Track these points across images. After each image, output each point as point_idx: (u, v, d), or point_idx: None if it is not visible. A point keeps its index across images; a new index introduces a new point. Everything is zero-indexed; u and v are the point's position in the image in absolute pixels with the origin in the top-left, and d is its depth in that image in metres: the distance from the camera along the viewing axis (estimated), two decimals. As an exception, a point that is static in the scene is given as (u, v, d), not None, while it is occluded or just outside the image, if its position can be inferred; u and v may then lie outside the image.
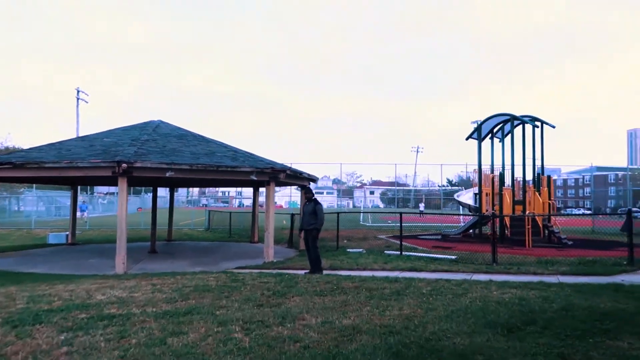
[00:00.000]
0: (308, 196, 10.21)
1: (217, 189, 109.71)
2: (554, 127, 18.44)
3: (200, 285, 8.12)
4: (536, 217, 15.33)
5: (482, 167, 18.69)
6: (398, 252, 12.97)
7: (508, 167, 19.52)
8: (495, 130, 18.72)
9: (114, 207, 53.46)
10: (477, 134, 18.34)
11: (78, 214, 32.68)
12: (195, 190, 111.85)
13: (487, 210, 17.35)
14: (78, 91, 53.10)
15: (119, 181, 10.78)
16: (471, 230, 18.89)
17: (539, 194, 16.13)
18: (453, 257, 11.77)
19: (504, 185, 16.67)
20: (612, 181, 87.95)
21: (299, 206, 16.07)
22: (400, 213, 12.99)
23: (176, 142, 13.15)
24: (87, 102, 54.09)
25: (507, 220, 15.51)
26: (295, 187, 18.99)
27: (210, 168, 11.39)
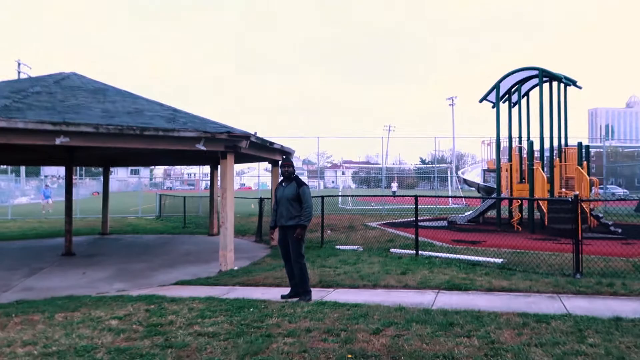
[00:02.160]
0: (287, 171, 6.21)
1: (182, 170, 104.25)
2: (580, 88, 14.98)
3: (74, 347, 4.11)
4: (594, 201, 11.83)
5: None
6: (411, 252, 9.21)
7: (516, 137, 16.00)
8: (512, 90, 15.08)
9: (63, 192, 48.02)
10: (495, 93, 14.64)
11: (41, 200, 26.95)
12: (160, 171, 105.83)
13: (507, 191, 13.79)
14: (19, 64, 46.96)
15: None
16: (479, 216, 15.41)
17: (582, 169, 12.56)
18: (498, 260, 8.08)
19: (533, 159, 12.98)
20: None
21: (271, 189, 12.08)
22: (416, 196, 9.16)
23: (85, 97, 8.87)
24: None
25: (544, 204, 11.94)
26: (265, 168, 14.79)
27: (129, 132, 7.24)
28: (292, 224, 6.04)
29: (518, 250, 8.79)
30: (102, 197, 15.91)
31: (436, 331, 4.41)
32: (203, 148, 8.09)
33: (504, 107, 15.75)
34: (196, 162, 15.28)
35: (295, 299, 6.00)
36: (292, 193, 6.07)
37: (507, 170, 13.93)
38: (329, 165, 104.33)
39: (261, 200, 13.36)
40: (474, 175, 16.88)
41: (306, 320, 4.90)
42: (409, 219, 18.41)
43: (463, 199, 25.00)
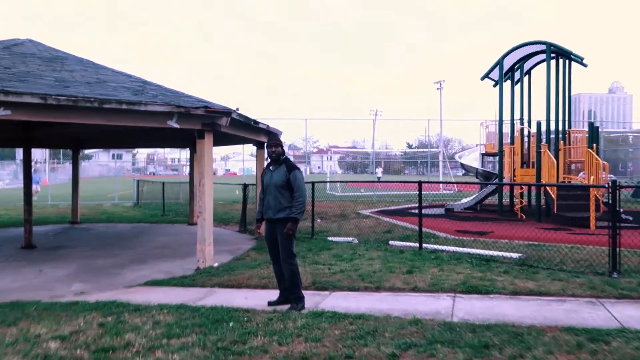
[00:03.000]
0: (275, 152, 5.09)
1: (165, 155, 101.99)
2: (586, 66, 14.04)
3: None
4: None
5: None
6: (413, 245, 8.23)
7: (518, 118, 15.11)
8: (515, 67, 14.08)
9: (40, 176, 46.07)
10: (499, 70, 13.61)
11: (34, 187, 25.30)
12: (144, 156, 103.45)
13: (509, 176, 12.86)
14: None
15: None
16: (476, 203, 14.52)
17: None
18: (514, 254, 7.12)
19: (541, 142, 11.99)
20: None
21: (257, 175, 10.99)
22: (420, 182, 8.11)
23: (38, 65, 7.61)
24: None
25: (552, 190, 11.03)
26: (250, 153, 13.52)
27: (85, 104, 6.05)
28: (282, 217, 4.96)
29: (534, 243, 7.86)
30: (72, 183, 14.58)
31: (470, 358, 3.41)
32: (176, 125, 6.93)
33: (505, 87, 14.77)
34: (174, 144, 14.04)
35: (285, 307, 4.96)
36: (281, 179, 4.98)
37: (510, 154, 12.96)
38: (315, 150, 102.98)
39: (245, 186, 12.23)
40: (472, 159, 15.96)
41: (300, 340, 3.87)
42: (402, 206, 17.48)
43: (455, 185, 24.16)
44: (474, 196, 14.11)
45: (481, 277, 5.95)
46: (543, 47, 12.58)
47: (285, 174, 4.98)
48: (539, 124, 11.96)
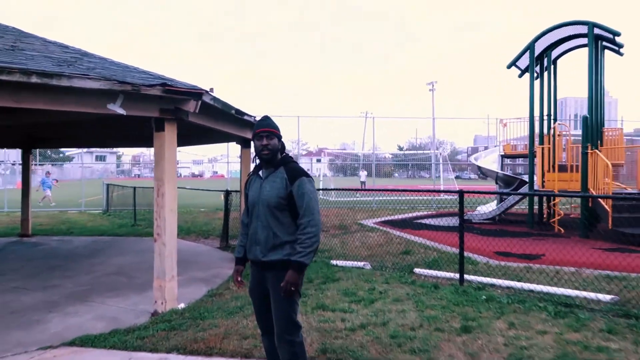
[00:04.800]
0: (267, 146, 2.92)
1: (152, 157, 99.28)
2: (622, 55, 12.14)
3: None
4: None
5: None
6: (448, 275, 6.16)
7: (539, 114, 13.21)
8: (544, 54, 12.10)
9: (17, 178, 43.13)
10: (529, 55, 11.58)
11: (42, 191, 21.40)
12: (129, 157, 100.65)
13: (543, 184, 10.83)
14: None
15: None
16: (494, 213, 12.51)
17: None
18: (604, 297, 5.05)
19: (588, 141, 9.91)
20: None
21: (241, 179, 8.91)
22: (461, 191, 5.99)
23: None
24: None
25: (605, 202, 8.90)
26: (238, 155, 11.05)
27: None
28: (277, 260, 2.84)
29: (615, 274, 5.82)
30: (22, 190, 12.26)
31: None
32: (121, 111, 4.77)
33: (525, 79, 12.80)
34: (144, 143, 11.79)
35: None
36: (277, 193, 2.86)
37: (541, 156, 10.91)
38: (305, 152, 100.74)
39: (228, 193, 10.05)
40: (490, 162, 13.97)
41: None
42: (408, 215, 15.43)
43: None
44: (496, 204, 12.08)
45: (582, 343, 3.88)
46: (584, 28, 10.59)
47: (285, 185, 2.87)
48: (584, 119, 9.95)
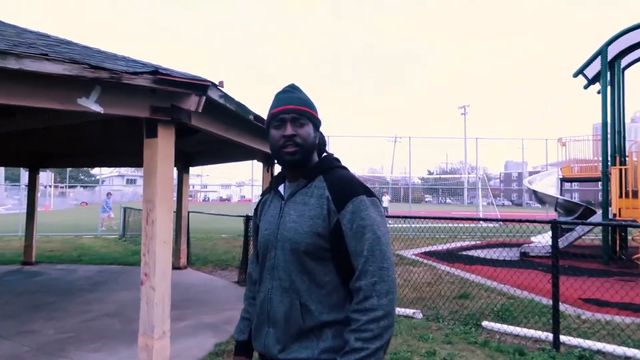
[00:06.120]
0: (294, 136, 1.52)
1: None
2: None
3: None
4: None
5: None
6: (529, 333, 4.59)
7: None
8: (614, 63, 10.49)
9: (42, 200, 43.32)
10: (601, 61, 10.00)
11: (103, 214, 20.07)
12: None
13: (620, 212, 9.09)
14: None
15: None
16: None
17: None
18: None
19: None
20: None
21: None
22: (555, 221, 4.47)
23: None
24: None
25: None
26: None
27: None
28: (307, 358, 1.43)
29: None
30: (26, 213, 11.25)
31: None
32: (97, 108, 3.53)
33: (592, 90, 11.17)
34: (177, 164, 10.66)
35: None
36: (312, 226, 1.44)
37: (618, 178, 9.19)
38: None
39: (247, 219, 8.72)
40: (547, 185, 12.25)
41: None
42: (451, 245, 13.76)
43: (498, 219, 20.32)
44: (564, 235, 10.32)
45: None
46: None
47: (326, 210, 1.45)
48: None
